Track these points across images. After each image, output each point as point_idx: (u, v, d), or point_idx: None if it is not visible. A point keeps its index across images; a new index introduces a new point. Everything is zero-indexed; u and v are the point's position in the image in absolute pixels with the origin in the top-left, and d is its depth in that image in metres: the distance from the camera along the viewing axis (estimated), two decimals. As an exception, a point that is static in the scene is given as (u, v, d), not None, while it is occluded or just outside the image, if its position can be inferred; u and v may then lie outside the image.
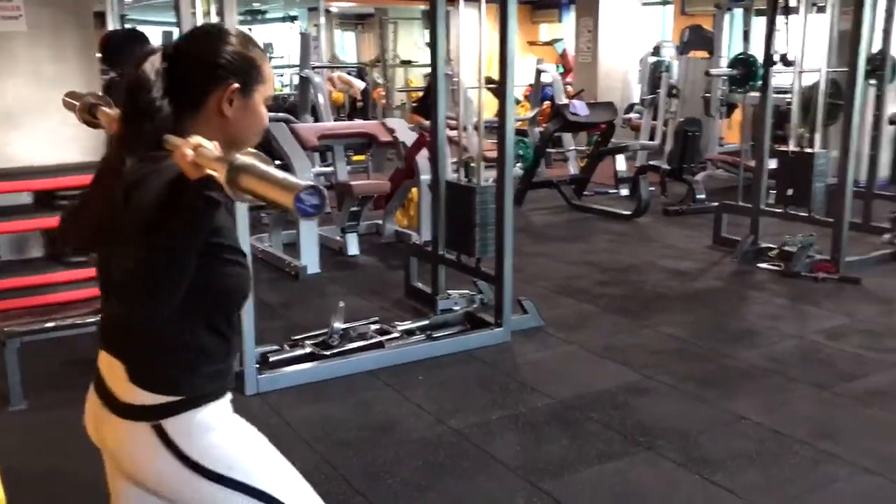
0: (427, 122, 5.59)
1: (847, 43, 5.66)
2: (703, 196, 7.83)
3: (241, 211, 3.67)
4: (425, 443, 3.31)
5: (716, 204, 6.86)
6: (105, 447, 1.50)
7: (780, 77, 6.49)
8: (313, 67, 8.54)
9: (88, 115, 1.72)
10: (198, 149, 1.17)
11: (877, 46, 6.62)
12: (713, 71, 7.43)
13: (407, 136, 6.22)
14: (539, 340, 4.48)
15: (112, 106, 1.67)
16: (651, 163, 8.44)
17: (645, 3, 12.56)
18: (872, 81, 6.72)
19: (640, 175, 7.68)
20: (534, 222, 7.54)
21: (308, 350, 4.10)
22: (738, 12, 9.97)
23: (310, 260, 5.69)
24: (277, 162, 6.73)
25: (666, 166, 8.08)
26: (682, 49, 9.67)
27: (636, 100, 11.25)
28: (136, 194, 1.27)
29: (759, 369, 4.04)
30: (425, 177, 5.70)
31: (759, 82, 6.25)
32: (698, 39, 9.77)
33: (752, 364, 4.11)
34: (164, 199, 1.21)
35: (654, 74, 10.03)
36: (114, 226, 1.31)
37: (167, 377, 1.40)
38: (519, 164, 8.19)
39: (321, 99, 8.33)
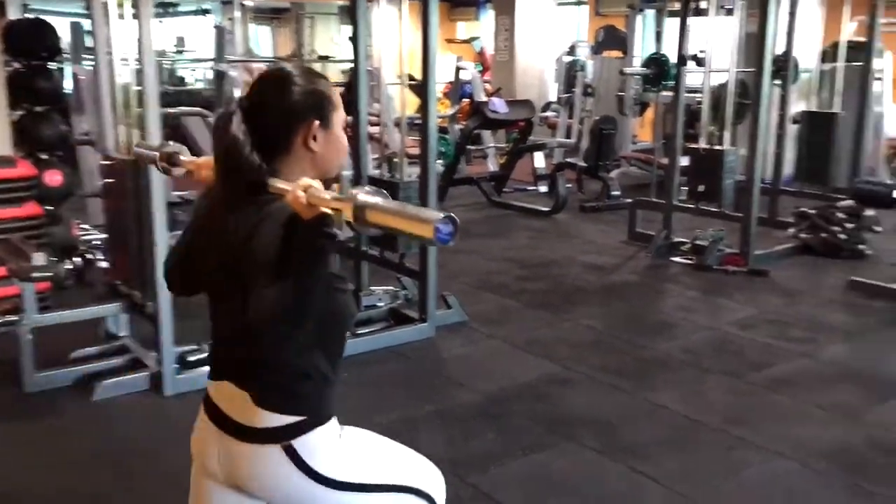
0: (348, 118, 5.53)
1: (753, 44, 5.89)
2: (617, 193, 8.02)
3: (158, 208, 3.59)
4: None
5: (630, 200, 7.03)
6: (226, 476, 1.57)
7: (691, 77, 6.71)
8: (229, 61, 8.34)
9: (168, 163, 1.83)
10: (308, 190, 1.28)
11: (781, 48, 6.91)
12: (628, 70, 7.62)
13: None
14: (463, 335, 4.50)
15: (187, 152, 1.81)
16: (568, 160, 8.59)
17: (560, 4, 12.78)
18: (777, 81, 7.01)
19: (558, 172, 7.81)
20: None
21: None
22: (651, 13, 10.26)
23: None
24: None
25: (582, 163, 8.24)
26: (597, 49, 9.88)
27: (553, 98, 11.43)
28: (256, 241, 1.40)
29: (675, 360, 4.16)
30: (346, 173, 5.63)
31: (672, 81, 6.44)
32: (612, 39, 10.01)
33: (668, 355, 4.23)
34: (284, 241, 1.32)
35: (570, 73, 10.21)
36: (233, 273, 1.45)
37: (294, 399, 1.51)
38: (440, 161, 8.21)
39: (238, 94, 8.15)
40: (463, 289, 5.16)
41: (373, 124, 5.67)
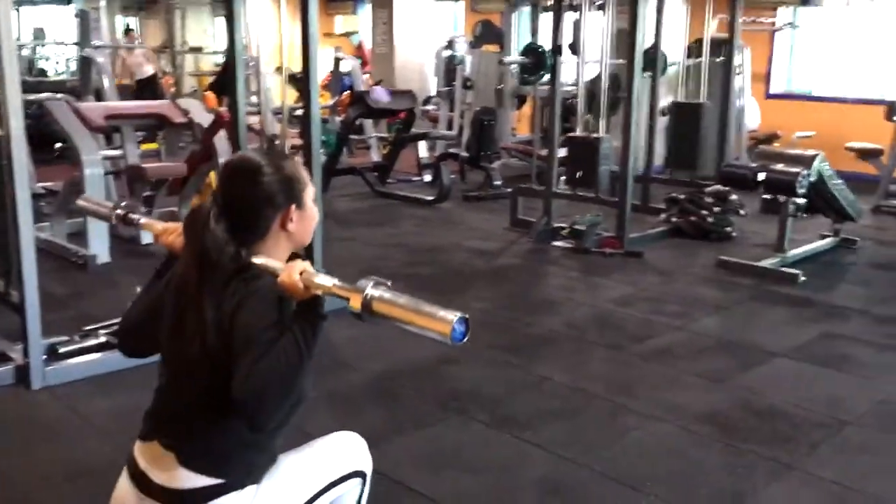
0: (223, 101, 5.39)
1: (624, 39, 6.12)
2: (499, 182, 8.16)
3: (23, 198, 3.38)
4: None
5: (511, 189, 7.17)
6: None
7: (566, 72, 6.91)
8: (95, 47, 7.94)
9: (123, 222, 2.03)
10: (303, 273, 1.45)
11: (650, 43, 7.21)
12: (506, 59, 7.76)
13: (203, 117, 5.96)
14: (351, 319, 4.42)
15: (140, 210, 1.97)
16: (451, 151, 8.66)
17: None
18: (647, 74, 7.30)
19: (441, 162, 7.87)
20: (339, 209, 7.49)
21: (102, 339, 3.82)
22: (526, 10, 10.49)
23: (99, 249, 5.30)
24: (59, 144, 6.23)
25: (464, 154, 8.33)
26: (475, 43, 10.01)
27: (433, 92, 11.50)
28: (241, 316, 1.47)
29: (559, 335, 4.27)
30: (224, 159, 5.48)
31: (549, 72, 6.60)
32: (489, 34, 10.16)
33: (552, 330, 4.34)
34: (275, 318, 1.46)
35: (449, 67, 10.31)
36: (208, 346, 1.51)
37: (218, 460, 1.55)
38: (322, 151, 8.10)
39: (106, 82, 7.77)
40: (349, 275, 5.01)
41: (252, 114, 5.55)
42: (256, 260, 1.56)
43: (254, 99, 6.62)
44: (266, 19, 4.43)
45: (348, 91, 9.56)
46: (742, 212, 6.88)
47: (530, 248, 6.20)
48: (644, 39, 6.48)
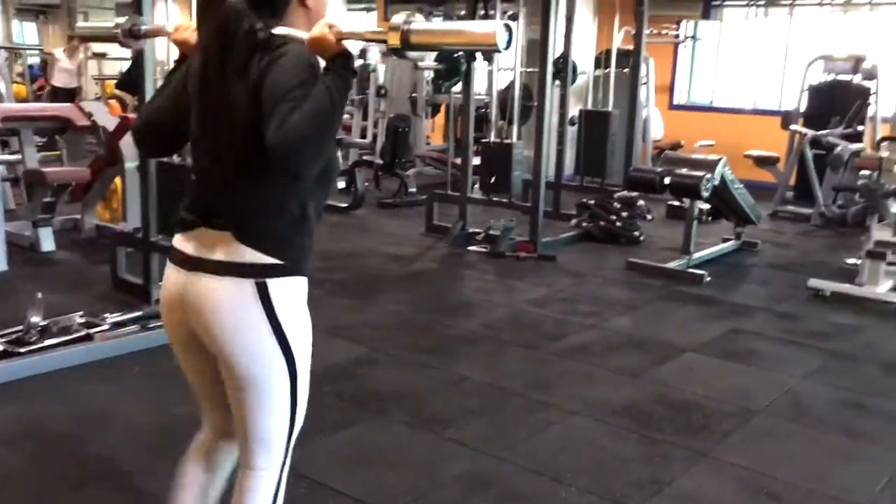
0: (131, 99, 5.20)
1: (535, 48, 6.23)
2: (414, 190, 8.16)
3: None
4: (150, 431, 3.09)
5: (426, 196, 7.18)
6: (191, 320, 1.62)
7: (479, 82, 6.98)
8: (-11, 50, 7.58)
9: (131, 36, 2.05)
10: (332, 27, 1.49)
11: (560, 52, 7.37)
12: (421, 63, 7.79)
13: (107, 120, 5.75)
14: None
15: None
16: (365, 158, 8.62)
17: (350, 9, 12.83)
18: (557, 83, 7.46)
19: (356, 169, 7.82)
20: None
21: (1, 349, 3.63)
22: (439, 19, 10.56)
23: (-5, 257, 5.04)
24: None
25: (379, 161, 8.30)
26: (389, 52, 10.02)
27: (346, 100, 11.44)
28: (271, 75, 1.47)
29: (477, 335, 4.29)
30: (131, 164, 5.31)
31: (463, 78, 6.66)
32: (403, 43, 10.18)
33: (470, 331, 4.35)
34: (305, 77, 1.46)
35: (362, 75, 10.28)
36: (240, 127, 1.51)
37: (276, 240, 1.57)
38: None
39: (2, 85, 7.42)
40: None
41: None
42: (278, 30, 1.55)
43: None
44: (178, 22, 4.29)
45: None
46: (649, 216, 7.09)
47: (446, 252, 6.22)
48: (554, 49, 6.62)
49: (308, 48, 1.52)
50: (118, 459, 2.87)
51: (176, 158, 4.38)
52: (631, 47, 7.99)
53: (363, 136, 9.74)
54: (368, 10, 14.27)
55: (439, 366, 3.85)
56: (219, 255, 1.58)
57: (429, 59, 8.08)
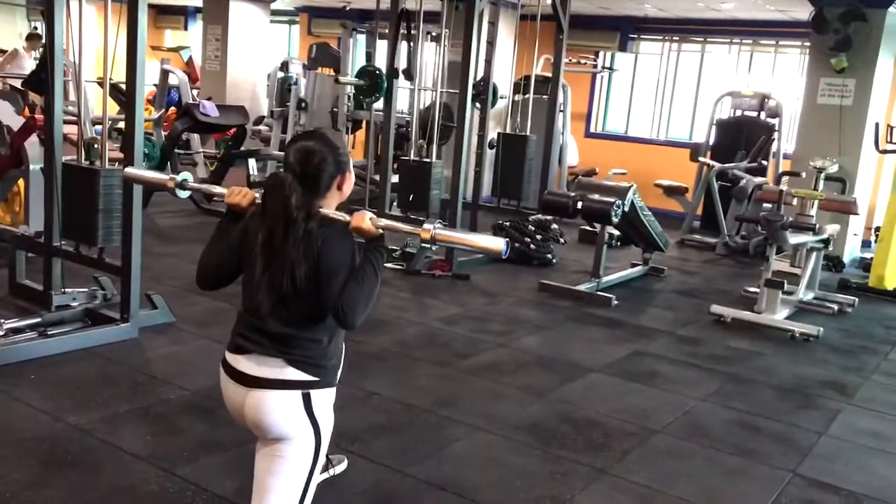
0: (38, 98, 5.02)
1: (457, 70, 6.31)
2: (331, 205, 8.10)
3: None
4: (41, 441, 2.96)
5: (344, 210, 7.15)
6: (250, 418, 2.13)
7: (400, 101, 7.01)
8: None
9: (181, 188, 2.49)
10: (371, 219, 2.07)
11: (481, 75, 7.49)
12: (342, 78, 7.79)
13: (13, 120, 5.53)
14: (171, 336, 4.26)
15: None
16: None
17: (273, 21, 12.73)
18: (477, 105, 7.56)
19: (272, 181, 7.71)
20: (161, 224, 7.17)
21: None
22: (363, 36, 10.59)
23: None
24: None
25: (296, 174, 8.22)
26: (310, 65, 9.96)
27: (265, 112, 11.31)
28: (327, 254, 2.04)
29: (389, 352, 4.29)
30: (35, 166, 5.11)
31: (384, 95, 6.69)
32: (325, 57, 10.15)
33: (382, 348, 4.35)
34: (351, 252, 2.07)
35: (283, 88, 10.20)
36: (295, 277, 2.03)
37: (315, 366, 2.13)
38: (145, 164, 7.73)
39: None
40: (172, 291, 4.88)
41: (70, 123, 5.21)
42: (324, 211, 2.11)
43: (73, 108, 6.23)
44: (89, 26, 4.18)
45: (174, 108, 9.22)
46: (562, 240, 7.25)
47: (361, 268, 6.19)
48: (476, 72, 6.73)
49: (352, 229, 2.09)
50: (4, 470, 2.74)
51: (84, 162, 4.26)
52: (550, 74, 8.18)
53: (281, 148, 9.65)
54: (292, 23, 14.20)
55: (349, 381, 3.79)
56: (272, 375, 2.11)
57: (350, 75, 8.08)
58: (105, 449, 2.95)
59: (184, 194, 2.52)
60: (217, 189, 2.42)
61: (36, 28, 12.75)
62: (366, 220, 2.08)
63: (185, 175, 2.49)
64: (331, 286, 2.04)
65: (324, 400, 2.19)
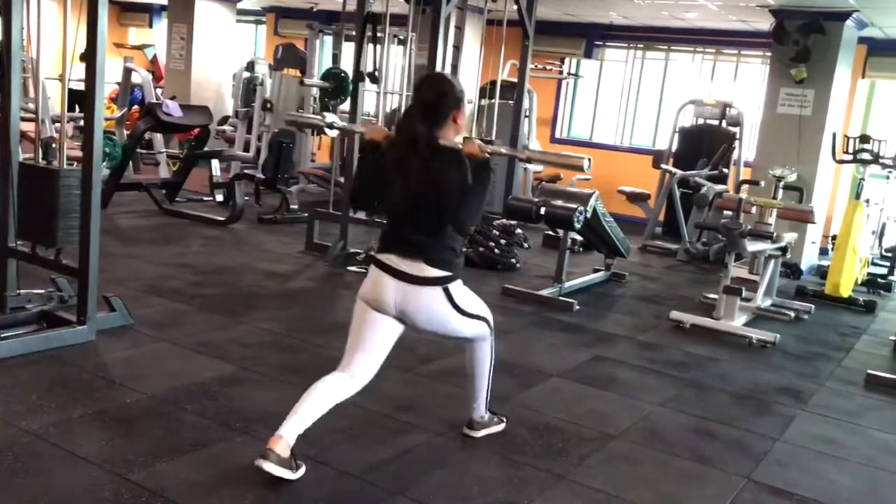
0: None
1: (423, 73, 6.31)
2: (295, 206, 8.08)
3: None
4: (-9, 446, 2.90)
5: (307, 213, 7.12)
6: (399, 308, 2.91)
7: (366, 105, 6.99)
8: None
9: (329, 128, 3.54)
10: (479, 145, 2.67)
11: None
12: (307, 81, 7.77)
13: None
14: (129, 339, 4.21)
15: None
16: (246, 171, 8.47)
17: (239, 21, 12.64)
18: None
19: (236, 182, 7.67)
20: (121, 225, 7.08)
21: None
22: (329, 37, 10.55)
23: None
24: None
25: (261, 176, 8.18)
26: (276, 65, 9.92)
27: (230, 112, 11.23)
28: (446, 175, 2.72)
29: (350, 356, 4.27)
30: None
31: (350, 97, 6.67)
32: (292, 58, 10.11)
33: (342, 352, 4.31)
34: (465, 173, 2.71)
35: (249, 88, 10.14)
36: (426, 192, 2.77)
37: (448, 264, 2.85)
38: (105, 164, 7.63)
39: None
40: (130, 293, 4.82)
41: (27, 120, 5.12)
42: (441, 141, 2.71)
43: (32, 105, 6.13)
44: (49, 22, 4.12)
45: (137, 106, 9.11)
46: (526, 245, 7.29)
47: (326, 271, 6.18)
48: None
49: (464, 154, 2.68)
50: (-46, 477, 2.68)
51: (41, 161, 4.19)
52: (516, 80, 8.22)
53: (246, 149, 9.59)
54: (258, 23, 14.11)
55: (308, 386, 3.79)
56: (414, 271, 2.83)
57: (316, 77, 8.05)
58: (58, 454, 2.90)
59: (333, 133, 3.32)
60: (359, 128, 3.61)
61: None
62: (476, 146, 2.67)
63: (334, 118, 3.44)
64: (449, 202, 2.67)
65: (461, 290, 2.95)
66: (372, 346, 2.96)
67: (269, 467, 2.73)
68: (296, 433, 2.82)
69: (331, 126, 3.32)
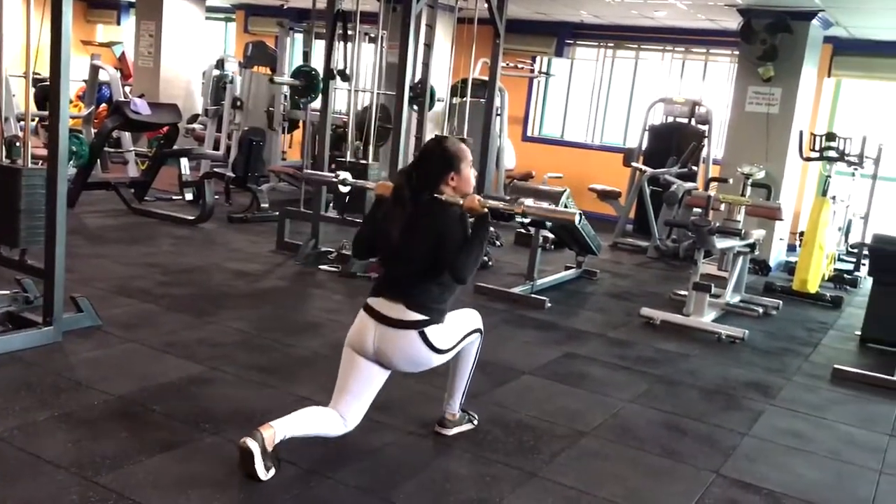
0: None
1: (394, 72, 6.30)
2: (266, 205, 8.03)
3: None
4: (-48, 451, 2.85)
5: (278, 212, 7.07)
6: (376, 350, 3.04)
7: (338, 102, 6.97)
8: None
9: (342, 185, 4.08)
10: (479, 200, 2.97)
11: (419, 77, 7.49)
12: (278, 78, 7.71)
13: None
14: (96, 339, 4.15)
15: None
16: (216, 170, 8.40)
17: (208, 18, 12.52)
18: (415, 108, 7.57)
19: (206, 181, 7.59)
20: (88, 224, 6.98)
21: None
22: (300, 35, 10.48)
23: None
24: None
25: (231, 174, 8.11)
26: (246, 63, 9.83)
27: (199, 110, 11.12)
28: (446, 230, 2.95)
29: (321, 356, 4.26)
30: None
31: (321, 95, 6.63)
32: (262, 55, 10.03)
33: (314, 352, 4.31)
34: (464, 228, 2.99)
35: (219, 86, 10.04)
36: (422, 244, 2.98)
37: (428, 308, 2.99)
38: (73, 162, 7.52)
39: None
40: (97, 293, 4.76)
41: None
42: (444, 197, 2.97)
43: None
44: (12, 17, 4.04)
45: (105, 105, 8.99)
46: (498, 242, 7.30)
47: (296, 270, 6.14)
48: (413, 74, 6.72)
49: (464, 208, 2.96)
50: (-86, 482, 2.63)
51: (4, 160, 4.12)
52: (487, 78, 8.22)
53: (216, 147, 9.51)
54: (228, 20, 13.99)
55: (278, 385, 3.79)
56: (394, 315, 2.98)
57: (286, 75, 7.99)
58: (23, 458, 2.86)
59: (345, 189, 4.09)
60: (370, 184, 4.04)
61: None
62: (476, 202, 2.93)
63: (346, 175, 3.96)
64: (448, 252, 2.89)
65: (439, 332, 3.03)
66: (359, 392, 3.08)
67: (253, 446, 2.77)
68: (284, 432, 2.86)
69: (343, 182, 3.84)
